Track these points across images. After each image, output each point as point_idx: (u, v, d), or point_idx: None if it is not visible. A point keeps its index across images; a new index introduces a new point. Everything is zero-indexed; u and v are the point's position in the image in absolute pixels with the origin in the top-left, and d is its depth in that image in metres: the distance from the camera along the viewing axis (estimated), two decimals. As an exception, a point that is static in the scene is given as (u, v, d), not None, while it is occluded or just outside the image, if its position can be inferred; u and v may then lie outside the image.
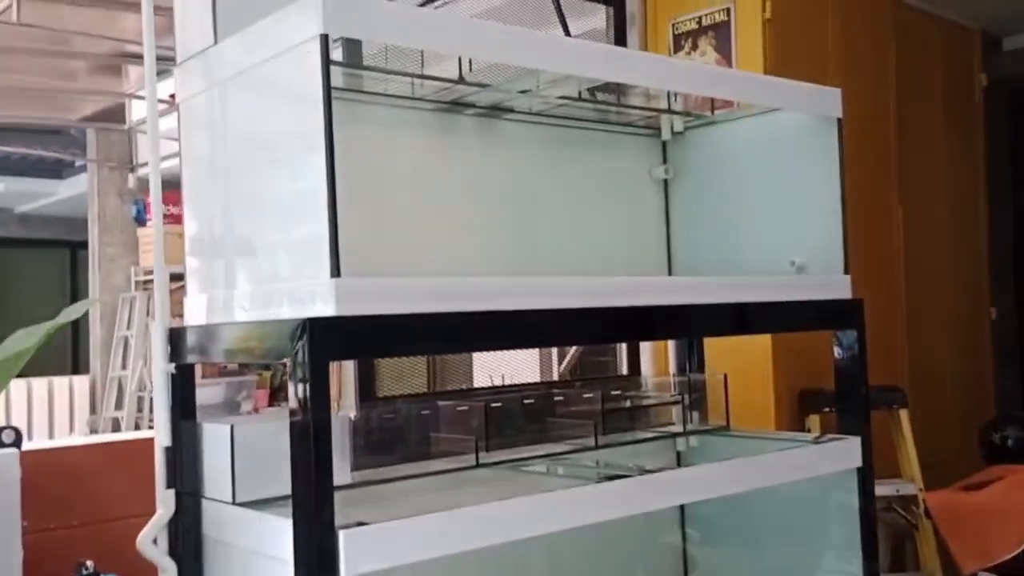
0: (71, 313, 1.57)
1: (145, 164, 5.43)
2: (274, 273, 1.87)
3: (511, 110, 2.56)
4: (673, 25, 3.76)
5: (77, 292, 10.59)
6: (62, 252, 11.08)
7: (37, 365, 8.25)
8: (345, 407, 3.09)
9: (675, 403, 2.80)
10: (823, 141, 2.56)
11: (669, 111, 2.80)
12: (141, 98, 4.28)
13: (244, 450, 1.96)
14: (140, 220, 7.87)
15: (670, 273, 2.94)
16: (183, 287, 2.14)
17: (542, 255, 2.62)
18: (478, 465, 2.35)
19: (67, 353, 10.68)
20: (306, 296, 1.73)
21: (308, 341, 1.64)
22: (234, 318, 1.93)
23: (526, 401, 2.98)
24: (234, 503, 1.94)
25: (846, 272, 2.51)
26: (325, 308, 1.68)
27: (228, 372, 7.63)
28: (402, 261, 2.30)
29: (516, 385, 4.08)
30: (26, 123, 7.97)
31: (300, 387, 1.66)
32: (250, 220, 1.97)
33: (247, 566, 1.91)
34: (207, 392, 7.24)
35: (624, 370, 3.81)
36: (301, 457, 1.66)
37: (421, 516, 1.74)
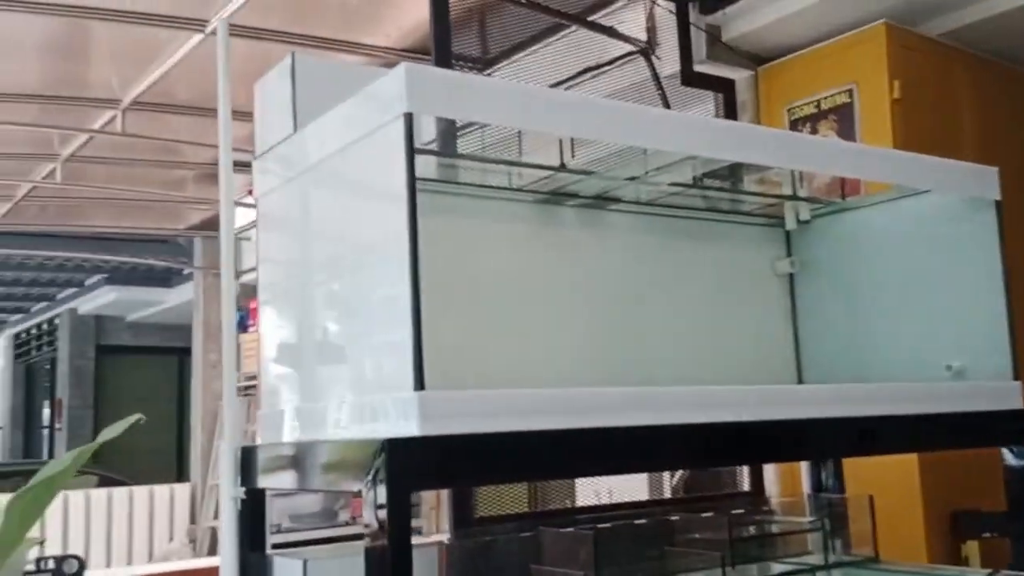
0: (108, 433, 1.38)
1: (248, 271, 5.39)
2: (352, 386, 1.64)
3: (617, 200, 2.32)
4: (789, 110, 3.50)
5: (184, 398, 10.68)
6: (171, 359, 11.25)
7: (141, 473, 8.22)
8: (439, 530, 2.81)
9: (816, 530, 2.43)
10: (975, 227, 2.23)
11: (794, 197, 2.51)
12: (245, 205, 4.25)
13: (318, 589, 1.71)
14: (242, 326, 7.88)
15: (800, 380, 2.61)
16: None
17: (654, 362, 2.33)
18: (588, 606, 2.04)
19: (173, 461, 10.73)
20: (387, 412, 1.49)
21: (386, 467, 1.39)
22: (308, 437, 1.71)
23: (638, 523, 2.65)
24: (307, 651, 1.68)
25: (1016, 378, 2.15)
26: (408, 426, 1.43)
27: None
28: (495, 371, 2.04)
29: (625, 504, 3.74)
30: (136, 234, 8.16)
31: (377, 516, 1.40)
32: (326, 325, 1.76)
33: None
34: (304, 500, 7.05)
35: (746, 486, 3.44)
36: (377, 605, 1.40)
37: None
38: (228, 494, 1.80)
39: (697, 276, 2.48)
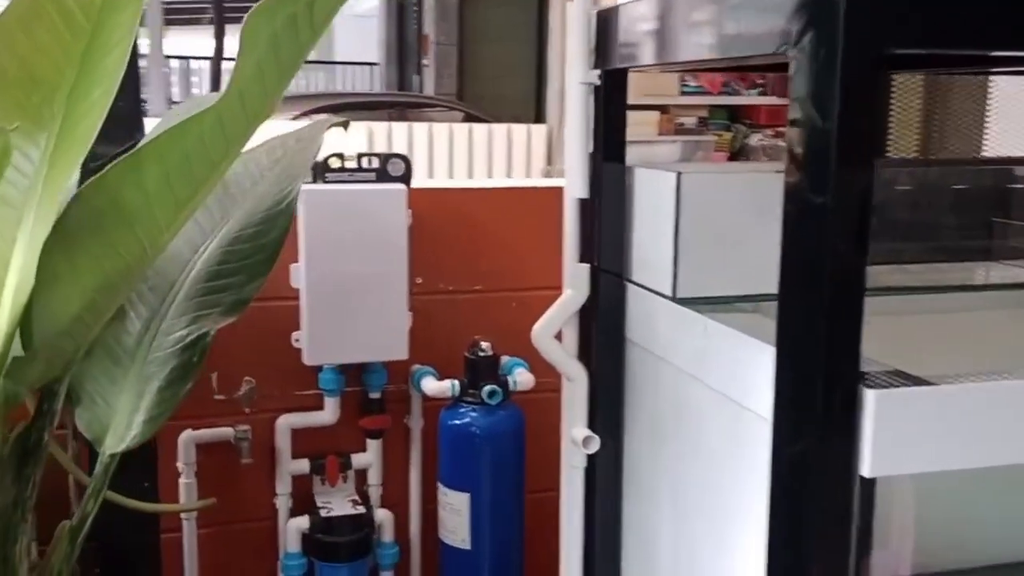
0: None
1: None
2: None
3: None
4: None
5: (543, 39, 10.46)
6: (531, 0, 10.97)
7: (501, 112, 8.23)
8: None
9: None
10: None
11: None
12: None
13: (694, 218, 1.20)
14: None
15: None
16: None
17: None
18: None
19: (531, 107, 10.74)
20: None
21: (843, 12, 0.79)
22: (697, -13, 1.12)
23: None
24: (674, 299, 1.21)
25: None
26: (885, -61, 0.80)
27: (684, 130, 7.02)
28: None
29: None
30: None
31: (813, 108, 0.83)
32: None
33: (689, 401, 1.19)
34: (658, 150, 6.67)
35: None
36: (802, 242, 0.86)
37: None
38: (577, 79, 1.29)
39: None
